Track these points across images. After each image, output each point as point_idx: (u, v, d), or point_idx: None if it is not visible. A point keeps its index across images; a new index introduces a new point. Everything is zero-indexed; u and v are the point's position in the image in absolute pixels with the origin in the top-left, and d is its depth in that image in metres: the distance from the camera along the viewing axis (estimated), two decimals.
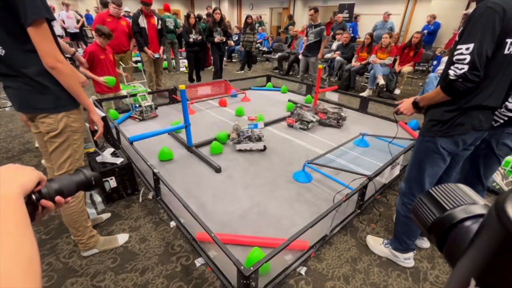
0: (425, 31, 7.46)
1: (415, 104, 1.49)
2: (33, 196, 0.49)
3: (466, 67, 1.15)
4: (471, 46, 1.14)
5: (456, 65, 1.18)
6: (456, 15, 7.26)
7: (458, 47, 1.19)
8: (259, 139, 3.12)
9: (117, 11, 4.16)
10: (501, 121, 1.48)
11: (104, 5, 5.89)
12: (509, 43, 1.17)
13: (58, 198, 0.53)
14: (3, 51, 1.16)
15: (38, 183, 0.50)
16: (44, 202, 0.50)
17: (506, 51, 1.18)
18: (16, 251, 0.35)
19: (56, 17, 7.94)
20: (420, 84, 6.61)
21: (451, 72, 1.20)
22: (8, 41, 1.15)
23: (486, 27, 1.13)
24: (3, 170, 0.45)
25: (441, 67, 4.59)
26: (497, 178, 2.54)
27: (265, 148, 3.10)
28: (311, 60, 5.61)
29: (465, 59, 1.16)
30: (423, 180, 1.52)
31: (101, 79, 3.27)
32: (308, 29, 5.51)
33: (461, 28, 1.24)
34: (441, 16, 7.62)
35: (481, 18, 1.14)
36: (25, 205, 0.42)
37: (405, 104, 1.55)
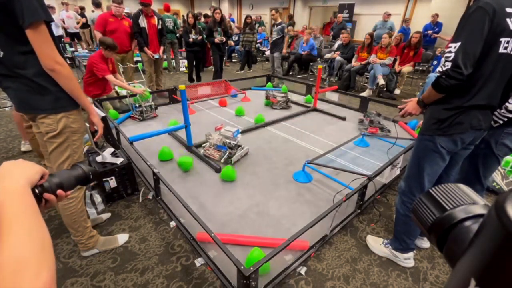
0: (429, 31, 7.39)
1: (420, 102, 1.50)
2: (36, 190, 0.51)
3: (449, 65, 1.19)
4: (458, 44, 1.18)
5: (445, 62, 1.22)
6: (456, 15, 7.23)
7: (449, 45, 1.23)
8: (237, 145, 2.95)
9: (119, 9, 4.17)
10: (501, 121, 1.49)
11: (96, 5, 5.89)
12: (503, 42, 1.18)
13: (59, 191, 0.55)
14: (2, 53, 1.16)
15: (41, 177, 0.52)
16: (47, 195, 0.53)
17: (501, 50, 1.20)
18: (30, 233, 0.38)
19: (56, 17, 7.94)
20: (420, 84, 6.61)
21: (439, 69, 1.24)
22: (7, 43, 1.15)
23: (474, 27, 1.16)
24: (9, 164, 0.48)
25: None
26: (497, 178, 2.54)
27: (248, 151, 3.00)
28: (274, 55, 6.62)
29: (450, 57, 1.20)
30: (422, 179, 1.53)
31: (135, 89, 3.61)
32: (272, 27, 6.46)
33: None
34: (441, 16, 7.60)
35: (471, 17, 1.17)
36: (32, 195, 0.45)
37: (412, 105, 1.56)
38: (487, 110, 1.34)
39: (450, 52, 1.21)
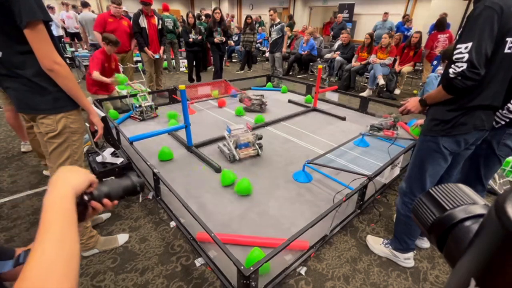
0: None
1: (422, 101, 1.49)
2: (86, 197, 0.52)
3: (465, 65, 1.17)
4: (470, 45, 1.16)
5: (456, 63, 1.19)
6: (456, 15, 7.26)
7: (457, 46, 1.20)
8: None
9: (118, 10, 4.19)
10: (503, 122, 1.48)
11: (84, 5, 5.84)
12: (509, 42, 1.17)
13: (105, 200, 0.56)
14: (1, 53, 1.16)
15: (90, 185, 0.54)
16: (93, 203, 0.54)
17: (506, 50, 1.19)
18: (61, 242, 0.39)
19: (56, 17, 7.93)
20: (420, 84, 6.61)
21: (450, 71, 1.21)
22: (5, 43, 1.15)
23: (484, 26, 1.14)
24: (62, 171, 0.50)
25: (441, 67, 4.59)
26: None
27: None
28: (276, 55, 6.58)
29: (463, 57, 1.17)
30: (424, 180, 1.52)
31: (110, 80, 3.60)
32: (270, 28, 6.48)
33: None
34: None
35: (479, 17, 1.15)
36: (75, 204, 0.46)
37: (412, 102, 1.55)
38: (490, 110, 1.34)
39: (461, 53, 1.17)
